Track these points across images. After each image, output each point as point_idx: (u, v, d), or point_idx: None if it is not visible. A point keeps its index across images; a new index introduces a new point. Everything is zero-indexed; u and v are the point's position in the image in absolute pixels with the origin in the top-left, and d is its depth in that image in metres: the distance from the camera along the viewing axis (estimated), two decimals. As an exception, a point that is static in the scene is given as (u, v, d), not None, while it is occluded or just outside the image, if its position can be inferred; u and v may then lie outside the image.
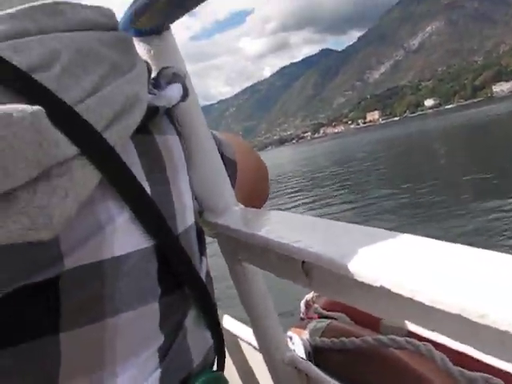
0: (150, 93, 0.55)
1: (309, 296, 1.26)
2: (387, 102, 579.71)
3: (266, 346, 0.84)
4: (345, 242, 0.53)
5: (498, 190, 11.73)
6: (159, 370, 0.51)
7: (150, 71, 0.60)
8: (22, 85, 0.41)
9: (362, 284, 0.45)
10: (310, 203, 15.67)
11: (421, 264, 0.42)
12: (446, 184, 14.14)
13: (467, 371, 0.73)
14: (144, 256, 0.49)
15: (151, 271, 0.50)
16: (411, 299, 0.39)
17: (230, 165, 0.80)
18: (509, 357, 0.35)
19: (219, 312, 0.66)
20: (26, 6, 0.46)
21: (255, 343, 1.04)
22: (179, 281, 0.54)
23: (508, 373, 0.74)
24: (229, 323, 1.13)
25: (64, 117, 0.41)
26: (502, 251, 0.38)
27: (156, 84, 0.61)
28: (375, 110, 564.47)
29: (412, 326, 0.89)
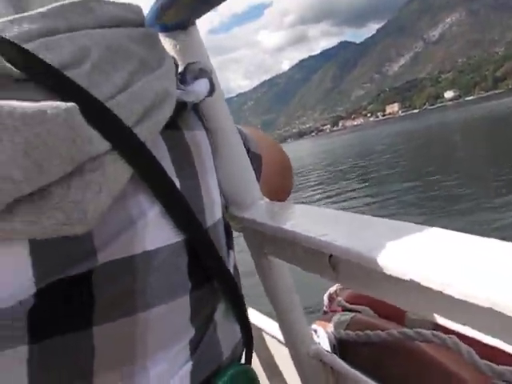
0: (177, 88, 0.56)
1: (332, 289, 1.26)
2: (406, 94, 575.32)
3: (292, 339, 0.85)
4: (372, 235, 0.53)
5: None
6: (190, 363, 0.52)
7: (176, 67, 0.60)
8: (55, 82, 0.42)
9: (391, 277, 0.45)
10: (334, 196, 15.37)
11: (450, 257, 0.41)
12: (471, 176, 13.69)
13: (495, 365, 0.73)
14: (175, 250, 0.49)
15: (181, 265, 0.50)
16: (441, 293, 0.39)
17: (255, 159, 0.80)
18: (541, 351, 0.35)
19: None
20: (57, 4, 0.46)
21: (279, 336, 1.05)
22: (208, 274, 0.54)
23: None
24: (253, 316, 1.13)
25: (96, 113, 0.42)
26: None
27: (182, 79, 0.61)
28: (394, 102, 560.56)
29: (438, 319, 0.88)
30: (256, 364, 1.08)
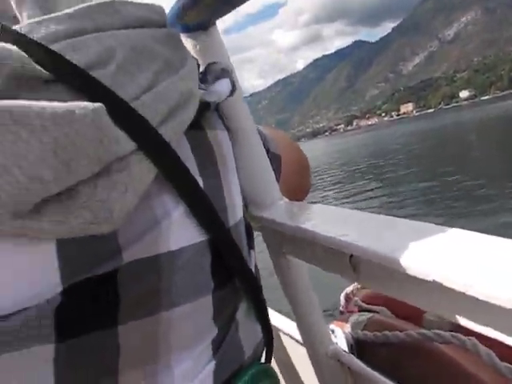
0: (199, 88, 0.56)
1: (349, 289, 1.26)
2: (421, 93, 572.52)
3: (310, 339, 0.85)
4: (393, 235, 0.53)
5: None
6: (213, 362, 0.52)
7: (198, 67, 0.60)
8: (82, 82, 0.42)
9: (413, 278, 0.45)
10: (350, 196, 15.19)
11: (473, 258, 0.41)
12: (489, 177, 13.38)
13: (515, 367, 0.72)
14: (199, 250, 0.50)
15: (205, 265, 0.51)
16: (464, 294, 0.39)
17: (274, 159, 0.81)
18: None
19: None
20: (83, 5, 0.47)
21: (297, 336, 1.05)
22: (230, 274, 0.54)
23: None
24: (270, 316, 1.13)
25: (122, 113, 0.42)
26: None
27: (203, 79, 0.62)
28: (409, 102, 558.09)
29: (460, 320, 0.88)
30: (272, 363, 1.08)
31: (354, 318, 1.02)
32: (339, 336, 0.95)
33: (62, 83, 0.42)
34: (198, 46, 0.73)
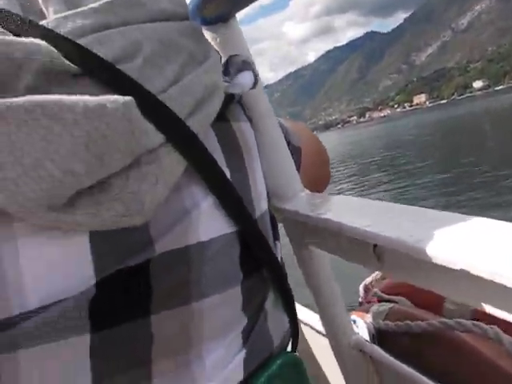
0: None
1: (368, 280, 1.26)
2: (434, 84, 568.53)
3: (333, 330, 0.86)
4: (417, 225, 0.53)
5: None
6: (244, 351, 0.52)
7: (220, 59, 0.61)
8: (109, 76, 0.43)
9: (440, 267, 0.46)
10: (366, 189, 14.91)
11: (499, 246, 0.42)
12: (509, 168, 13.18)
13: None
14: (228, 241, 0.50)
15: (234, 256, 0.51)
16: (492, 281, 0.40)
17: (294, 151, 0.81)
18: None
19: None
20: None
21: (317, 327, 1.06)
22: (258, 264, 0.55)
23: None
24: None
25: (150, 106, 0.43)
26: None
27: (225, 72, 0.62)
28: (422, 92, 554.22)
29: (484, 308, 0.89)
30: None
31: (375, 308, 1.03)
32: (361, 326, 0.96)
33: (90, 77, 0.43)
34: (218, 39, 0.74)
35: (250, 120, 0.62)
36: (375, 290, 1.19)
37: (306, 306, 1.13)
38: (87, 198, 0.40)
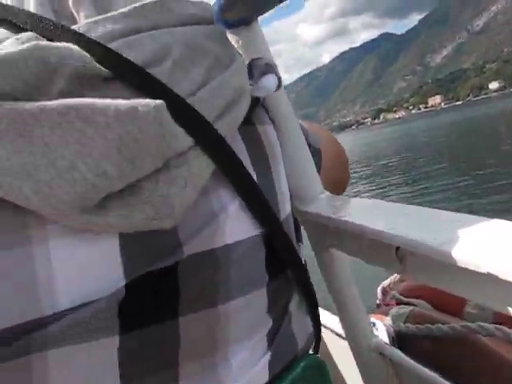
0: None
1: (385, 283, 1.26)
2: (449, 86, 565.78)
3: (353, 332, 0.85)
4: (440, 228, 0.53)
5: None
6: (269, 354, 0.53)
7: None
8: (140, 79, 0.43)
9: (465, 270, 0.45)
10: (384, 192, 14.56)
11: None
12: None
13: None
14: (254, 243, 0.50)
15: (260, 258, 0.51)
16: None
17: (315, 153, 0.81)
18: None
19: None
20: (138, 4, 0.48)
21: (336, 329, 1.06)
22: (283, 267, 0.55)
23: None
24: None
25: (179, 109, 0.43)
26: None
27: (249, 74, 0.62)
28: (437, 94, 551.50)
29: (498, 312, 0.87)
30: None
31: (395, 310, 1.02)
32: (380, 329, 0.95)
33: (121, 81, 0.43)
34: (240, 42, 0.74)
35: (273, 122, 0.62)
36: (393, 292, 1.19)
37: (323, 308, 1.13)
38: (118, 200, 0.41)
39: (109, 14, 0.46)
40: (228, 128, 0.48)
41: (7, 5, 0.47)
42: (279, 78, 0.63)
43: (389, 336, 0.95)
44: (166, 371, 0.46)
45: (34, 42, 0.40)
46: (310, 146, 0.80)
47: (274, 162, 0.56)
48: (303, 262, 0.59)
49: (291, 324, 0.56)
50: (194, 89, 0.46)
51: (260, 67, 0.63)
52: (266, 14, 0.75)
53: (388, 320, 1.01)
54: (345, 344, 0.90)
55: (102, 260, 0.41)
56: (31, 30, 0.44)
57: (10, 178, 0.37)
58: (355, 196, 0.81)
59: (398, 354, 0.83)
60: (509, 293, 0.44)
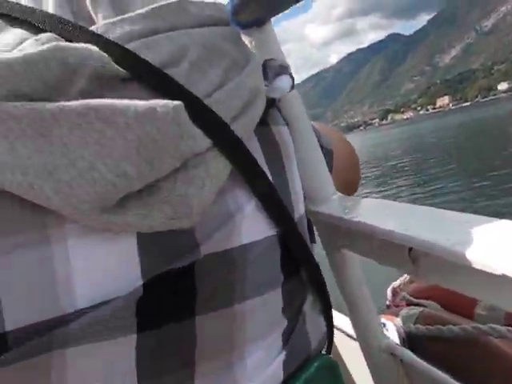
0: None
1: (395, 284, 1.26)
2: (458, 86, 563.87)
3: (364, 333, 0.85)
4: (453, 229, 0.53)
5: None
6: (283, 353, 0.53)
7: None
8: (157, 80, 0.43)
9: (480, 272, 0.45)
10: (395, 193, 14.44)
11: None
12: None
13: None
14: (270, 244, 0.50)
15: (275, 258, 0.52)
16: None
17: (326, 154, 0.81)
18: None
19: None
20: (156, 5, 0.48)
21: (346, 329, 1.06)
22: (297, 267, 0.55)
23: None
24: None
25: (197, 111, 0.43)
26: None
27: (264, 76, 0.62)
28: (445, 95, 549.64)
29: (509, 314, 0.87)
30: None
31: (405, 311, 1.03)
32: (391, 329, 0.96)
33: (138, 82, 0.43)
34: (253, 43, 0.74)
35: (287, 123, 0.63)
36: (403, 293, 1.19)
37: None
38: (137, 200, 0.41)
39: (126, 16, 0.46)
40: (244, 129, 0.48)
41: (26, 6, 0.47)
42: (293, 79, 0.63)
43: (399, 337, 0.95)
44: (182, 370, 0.46)
45: (54, 43, 0.40)
46: (321, 147, 0.80)
47: (288, 162, 0.56)
48: (317, 262, 0.59)
49: (305, 324, 0.56)
50: (211, 90, 0.46)
51: (274, 68, 0.63)
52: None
53: (398, 321, 1.01)
54: (355, 345, 0.90)
55: (120, 259, 0.41)
56: (50, 31, 0.45)
57: (31, 177, 0.38)
58: (366, 197, 0.81)
59: (409, 354, 0.83)
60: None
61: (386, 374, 0.86)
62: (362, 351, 0.88)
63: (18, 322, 0.39)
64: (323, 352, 0.63)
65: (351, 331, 0.90)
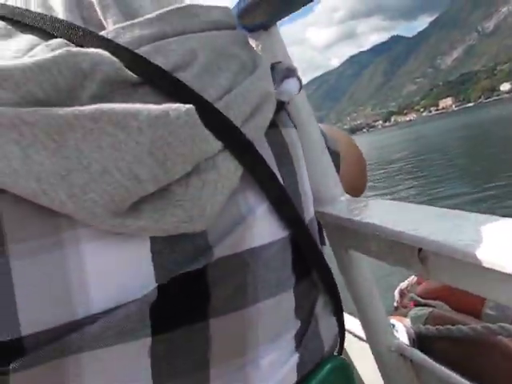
0: None
1: (403, 285, 1.26)
2: (460, 88, 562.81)
3: (373, 334, 0.86)
4: (461, 228, 0.53)
5: None
6: (297, 355, 0.53)
7: None
8: (168, 84, 0.44)
9: (491, 271, 0.45)
10: (405, 197, 14.22)
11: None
12: None
13: None
14: (281, 246, 0.51)
15: (287, 260, 0.52)
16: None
17: (334, 156, 0.82)
18: None
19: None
20: (164, 10, 0.48)
21: (356, 331, 1.06)
22: (309, 268, 0.55)
23: None
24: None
25: (208, 114, 0.44)
26: None
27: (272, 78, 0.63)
28: (448, 96, 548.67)
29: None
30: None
31: (413, 312, 1.03)
32: (400, 330, 0.96)
33: (149, 86, 0.44)
34: (259, 46, 0.75)
35: (295, 126, 0.63)
36: (411, 294, 1.19)
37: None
38: (149, 204, 0.41)
39: (136, 20, 0.47)
40: (255, 132, 0.48)
41: (36, 12, 0.48)
42: (300, 82, 0.64)
43: (409, 337, 0.95)
44: (196, 372, 0.46)
45: (65, 49, 0.41)
46: (328, 149, 0.80)
47: (298, 165, 0.57)
48: (328, 264, 0.60)
49: (318, 325, 0.57)
50: (221, 94, 0.46)
51: (281, 71, 0.64)
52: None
53: (407, 322, 1.01)
54: (365, 346, 0.90)
55: (134, 263, 0.42)
56: (60, 37, 0.45)
57: (45, 182, 0.38)
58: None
59: (419, 355, 0.83)
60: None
61: (396, 374, 0.86)
62: (372, 352, 0.88)
63: (33, 326, 0.39)
64: (335, 353, 0.63)
65: (360, 332, 0.90)
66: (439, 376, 0.79)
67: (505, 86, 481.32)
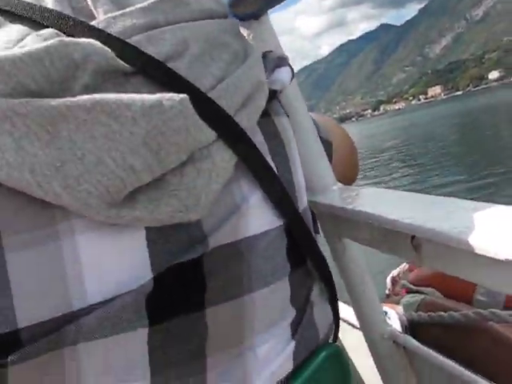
0: None
1: (395, 272, 1.27)
2: (449, 76, 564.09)
3: (367, 322, 0.86)
4: (454, 215, 0.53)
5: None
6: (293, 343, 0.53)
7: None
8: (160, 74, 0.44)
9: (484, 258, 0.46)
10: (408, 185, 14.18)
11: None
12: None
13: None
14: (276, 234, 0.51)
15: (282, 249, 0.52)
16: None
17: (326, 145, 0.82)
18: None
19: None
20: None
21: (349, 318, 1.07)
22: (303, 257, 0.55)
23: None
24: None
25: (201, 103, 0.44)
26: None
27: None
28: (437, 84, 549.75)
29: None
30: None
31: (406, 299, 1.03)
32: (393, 317, 0.96)
33: (142, 76, 0.44)
34: (250, 35, 0.75)
35: (287, 115, 0.63)
36: (403, 281, 1.20)
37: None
38: (144, 194, 0.41)
39: (127, 10, 0.46)
40: (248, 120, 0.48)
41: (25, 1, 0.47)
42: (292, 71, 0.63)
43: (401, 325, 0.95)
44: (194, 361, 0.47)
45: (57, 39, 0.41)
46: (321, 138, 0.80)
47: (291, 154, 0.57)
48: (322, 252, 0.60)
49: (313, 313, 0.57)
50: (214, 83, 0.46)
51: (273, 60, 0.63)
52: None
53: (400, 309, 1.02)
54: (358, 333, 0.91)
55: (129, 254, 0.42)
56: (51, 27, 0.45)
57: (39, 174, 0.38)
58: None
59: (412, 341, 0.84)
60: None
61: (389, 361, 0.87)
62: (365, 340, 0.88)
63: (30, 318, 0.39)
64: (329, 341, 0.63)
65: (353, 320, 0.90)
66: (432, 362, 0.80)
67: (493, 75, 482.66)
